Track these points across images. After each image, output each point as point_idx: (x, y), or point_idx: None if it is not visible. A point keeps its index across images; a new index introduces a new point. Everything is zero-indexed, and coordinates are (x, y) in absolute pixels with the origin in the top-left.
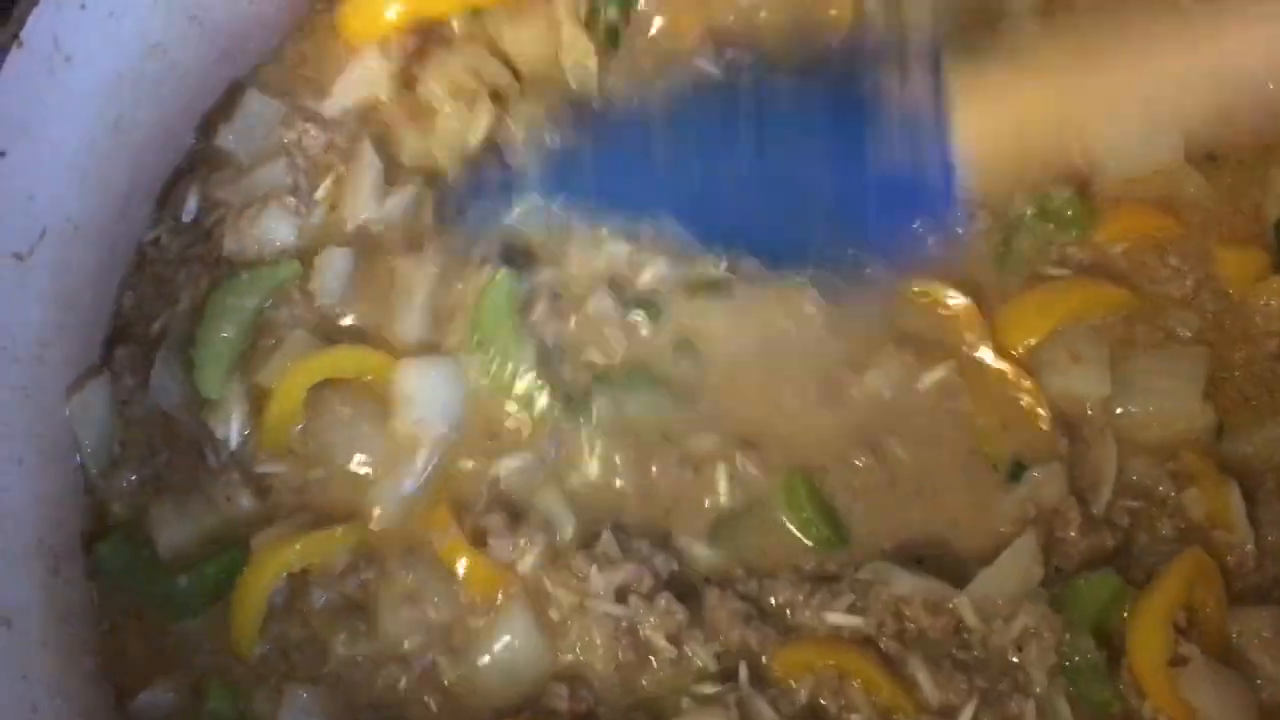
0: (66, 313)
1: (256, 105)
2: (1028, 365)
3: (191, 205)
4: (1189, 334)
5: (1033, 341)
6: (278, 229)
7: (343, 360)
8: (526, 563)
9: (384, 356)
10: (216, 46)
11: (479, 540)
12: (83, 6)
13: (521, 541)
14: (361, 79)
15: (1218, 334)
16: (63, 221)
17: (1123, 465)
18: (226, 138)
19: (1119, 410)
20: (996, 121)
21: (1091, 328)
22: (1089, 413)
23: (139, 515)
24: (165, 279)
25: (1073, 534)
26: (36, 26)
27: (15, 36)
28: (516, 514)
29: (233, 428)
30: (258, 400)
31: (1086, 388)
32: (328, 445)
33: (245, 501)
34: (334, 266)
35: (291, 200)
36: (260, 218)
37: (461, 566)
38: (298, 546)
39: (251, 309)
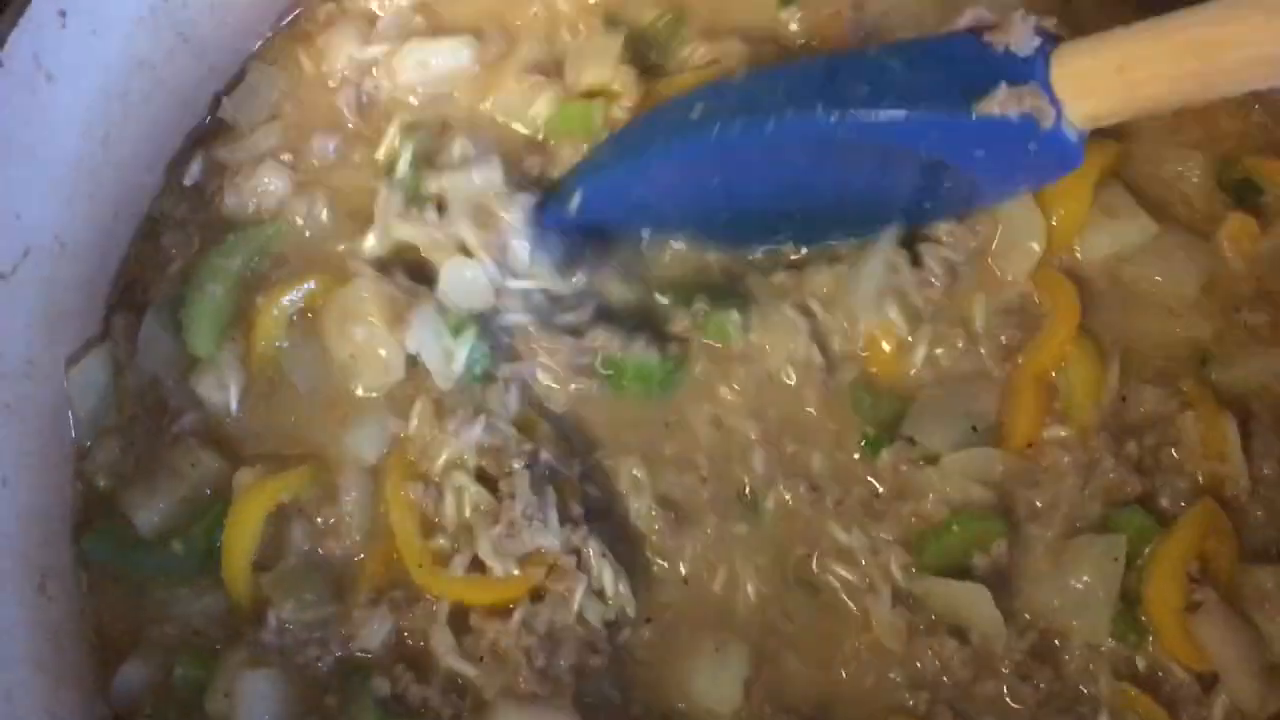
0: (53, 329)
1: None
2: None
3: (195, 170)
4: None
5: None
6: (273, 183)
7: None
8: None
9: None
10: (204, 63)
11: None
12: (64, 26)
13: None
14: None
15: None
16: (49, 239)
17: (1130, 395)
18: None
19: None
20: (1107, 100)
21: None
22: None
23: (119, 491)
24: (163, 245)
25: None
26: (16, 47)
27: None
28: None
29: (231, 391)
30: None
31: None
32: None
33: (211, 461)
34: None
35: (287, 155)
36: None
37: None
38: (281, 478)
39: (238, 268)
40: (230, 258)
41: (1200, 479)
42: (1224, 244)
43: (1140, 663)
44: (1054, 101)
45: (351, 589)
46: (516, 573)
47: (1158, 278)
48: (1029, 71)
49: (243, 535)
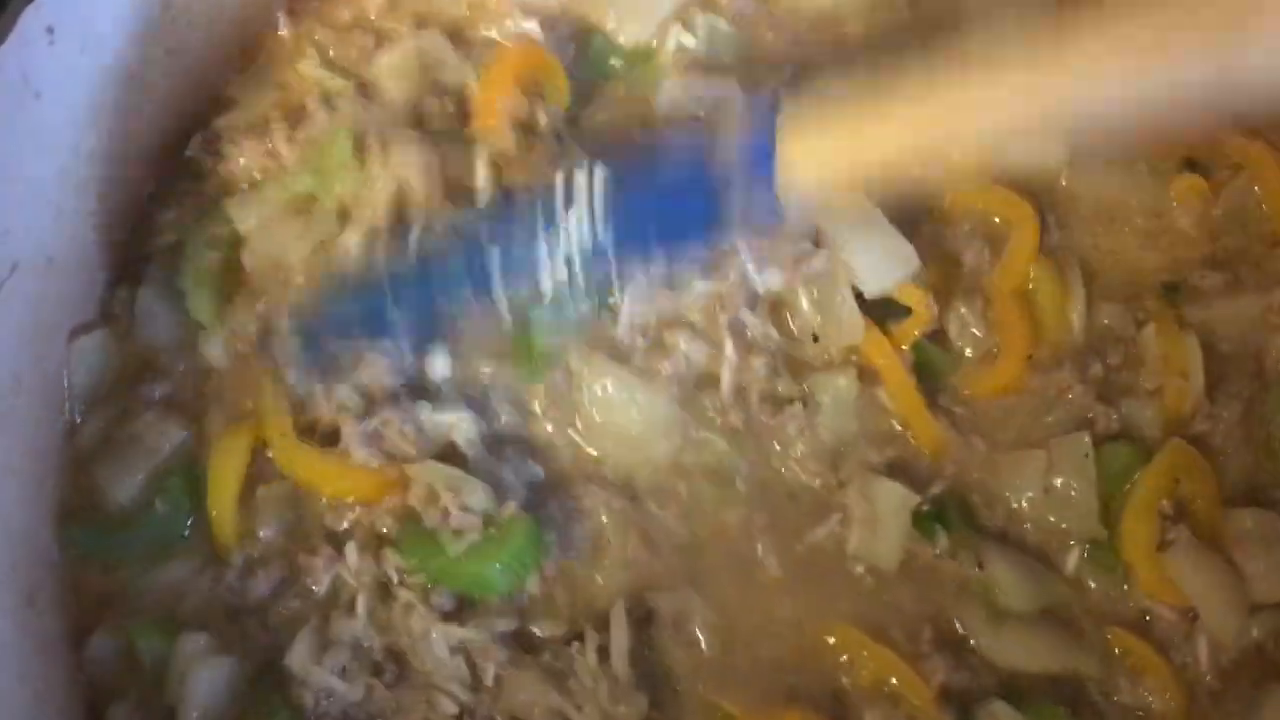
0: (42, 344)
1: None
2: None
3: (195, 142)
4: None
5: None
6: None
7: None
8: None
9: None
10: (193, 78)
11: None
12: (52, 44)
13: None
14: None
15: None
16: (38, 254)
17: (1094, 312)
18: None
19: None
20: (823, 149)
21: None
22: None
23: (94, 466)
24: (159, 218)
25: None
26: (4, 65)
27: None
28: None
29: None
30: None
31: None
32: None
33: (176, 431)
34: None
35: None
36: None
37: None
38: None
39: (228, 237)
40: (223, 224)
41: (1165, 401)
42: (1173, 205)
43: (1130, 605)
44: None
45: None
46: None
47: (1127, 198)
48: (754, 169)
49: (230, 461)
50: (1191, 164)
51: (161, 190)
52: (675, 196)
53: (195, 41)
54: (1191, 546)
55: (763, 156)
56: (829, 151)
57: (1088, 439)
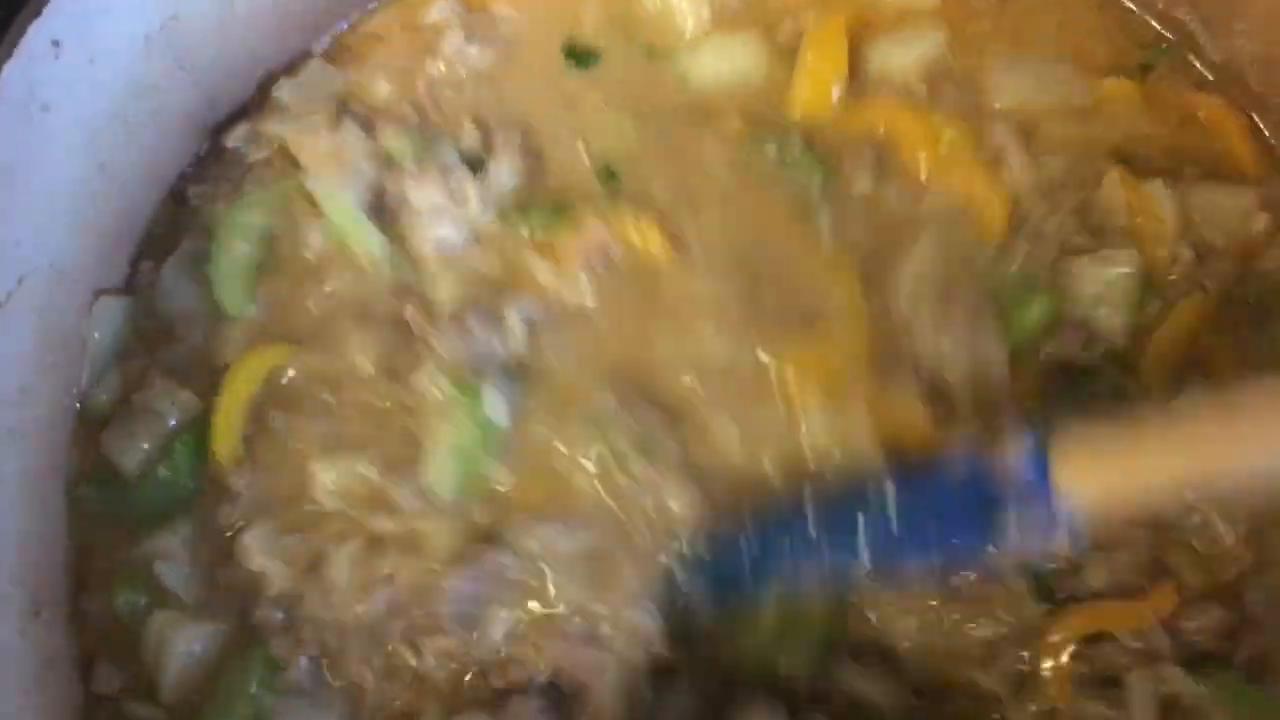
0: (50, 354)
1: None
2: None
3: (240, 133)
4: None
5: None
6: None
7: None
8: None
9: None
10: (203, 89)
11: None
12: (58, 56)
13: None
14: None
15: None
16: (46, 266)
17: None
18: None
19: None
20: (1103, 481)
21: None
22: None
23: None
24: (189, 199)
25: None
26: (10, 78)
27: None
28: None
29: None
30: None
31: None
32: None
33: (186, 400)
34: None
35: None
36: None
37: None
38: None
39: (260, 224)
40: (253, 212)
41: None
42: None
43: None
44: (1056, 498)
45: None
46: None
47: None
48: (1030, 487)
49: (242, 380)
50: None
51: (194, 173)
52: (956, 503)
53: (205, 54)
54: None
55: (1039, 472)
56: (1105, 471)
57: None
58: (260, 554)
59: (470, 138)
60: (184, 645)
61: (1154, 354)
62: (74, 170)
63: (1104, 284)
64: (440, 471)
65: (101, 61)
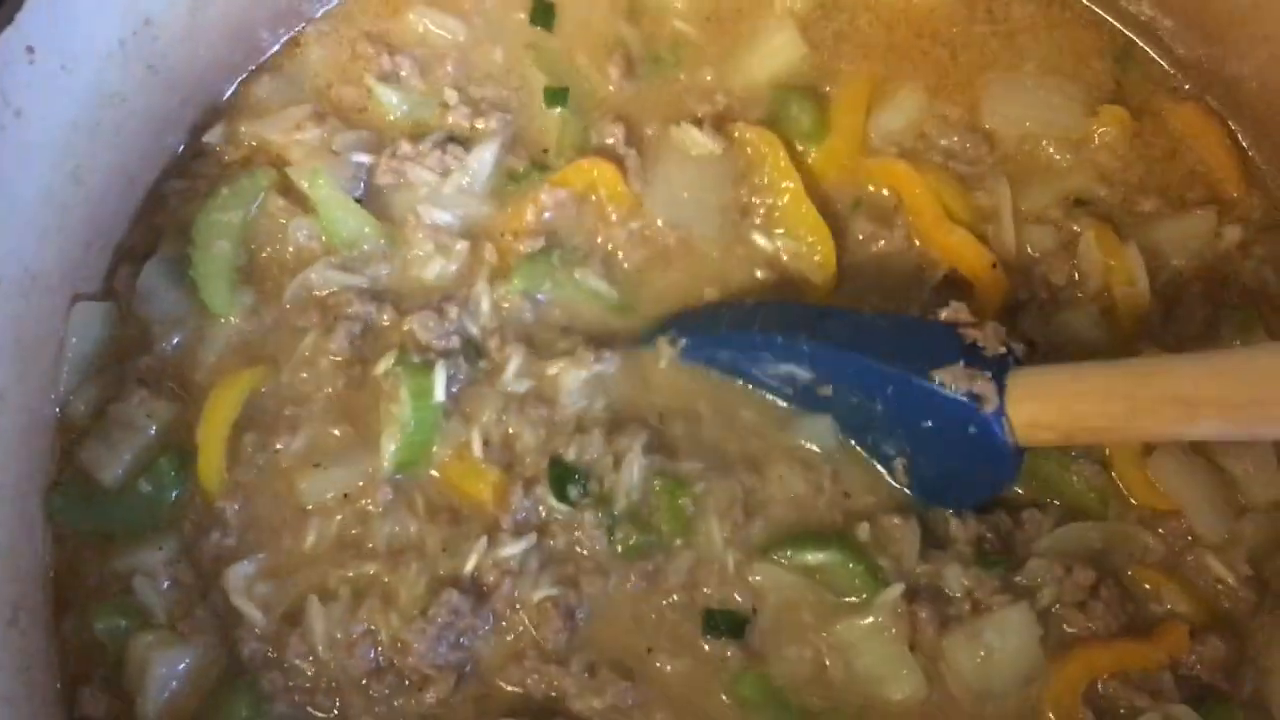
0: (23, 363)
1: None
2: None
3: (217, 133)
4: None
5: None
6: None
7: None
8: None
9: None
10: (176, 93)
11: None
12: (31, 62)
13: None
14: None
15: None
16: (20, 272)
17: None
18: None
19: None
20: (1047, 413)
21: None
22: None
23: (78, 449)
24: (168, 201)
25: None
26: None
27: None
28: None
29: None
30: None
31: None
32: None
33: (164, 409)
34: None
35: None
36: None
37: None
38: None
39: (238, 223)
40: (228, 211)
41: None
42: (1094, 138)
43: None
44: (1000, 398)
45: None
46: None
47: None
48: (988, 367)
49: (223, 409)
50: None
51: (170, 177)
52: (915, 329)
53: (177, 58)
54: (1176, 452)
55: (999, 372)
56: (1046, 411)
57: None
58: (239, 595)
59: (458, 113)
60: (165, 668)
61: None
62: (48, 176)
63: None
64: (384, 451)
65: (75, 67)
